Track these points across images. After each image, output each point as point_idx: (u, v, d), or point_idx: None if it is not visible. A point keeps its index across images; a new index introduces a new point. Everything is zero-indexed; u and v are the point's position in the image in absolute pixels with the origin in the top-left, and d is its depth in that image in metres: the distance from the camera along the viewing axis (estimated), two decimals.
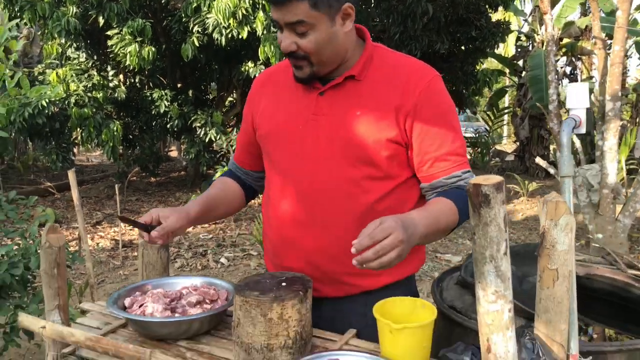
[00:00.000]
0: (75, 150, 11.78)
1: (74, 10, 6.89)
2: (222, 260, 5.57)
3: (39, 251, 3.01)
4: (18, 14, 7.07)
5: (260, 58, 6.25)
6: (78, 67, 7.88)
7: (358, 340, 1.46)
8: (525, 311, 1.45)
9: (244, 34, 6.19)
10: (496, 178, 0.82)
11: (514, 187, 9.27)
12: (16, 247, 2.92)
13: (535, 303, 1.12)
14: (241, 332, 1.32)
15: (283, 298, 1.29)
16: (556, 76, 5.36)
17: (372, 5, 7.77)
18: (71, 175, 4.02)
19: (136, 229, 1.56)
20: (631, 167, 9.16)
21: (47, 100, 6.01)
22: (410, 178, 1.47)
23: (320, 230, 1.42)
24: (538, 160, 5.84)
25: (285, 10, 1.29)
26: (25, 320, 1.41)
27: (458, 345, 1.26)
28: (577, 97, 1.30)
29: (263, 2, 5.95)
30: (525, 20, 12.95)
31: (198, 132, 7.93)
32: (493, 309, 0.82)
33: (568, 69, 12.82)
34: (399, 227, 1.16)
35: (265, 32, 6.09)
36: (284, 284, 1.37)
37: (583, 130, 1.30)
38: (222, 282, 1.66)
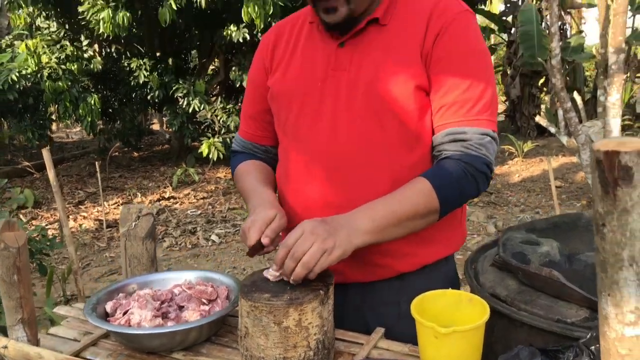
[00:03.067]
0: (53, 126, 11.35)
1: None
2: (213, 237, 5.32)
3: None
4: None
5: (244, 20, 5.88)
6: (49, 38, 7.42)
7: (388, 342, 1.22)
8: (587, 299, 1.20)
9: None
10: (636, 141, 0.55)
11: (509, 148, 9.09)
12: None
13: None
14: (250, 344, 1.07)
15: (301, 301, 1.04)
16: (559, 29, 5.08)
17: None
18: (46, 155, 3.69)
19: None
20: (625, 122, 9.02)
21: (17, 74, 5.60)
22: None
23: (348, 207, 1.17)
24: (539, 119, 5.62)
25: None
26: None
27: (520, 350, 1.02)
28: None
29: None
30: None
31: (180, 103, 7.59)
32: (631, 334, 0.57)
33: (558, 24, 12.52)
34: (313, 222, 1.04)
35: None
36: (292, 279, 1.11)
37: None
38: (220, 275, 1.40)
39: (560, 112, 5.24)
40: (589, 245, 1.50)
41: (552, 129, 5.45)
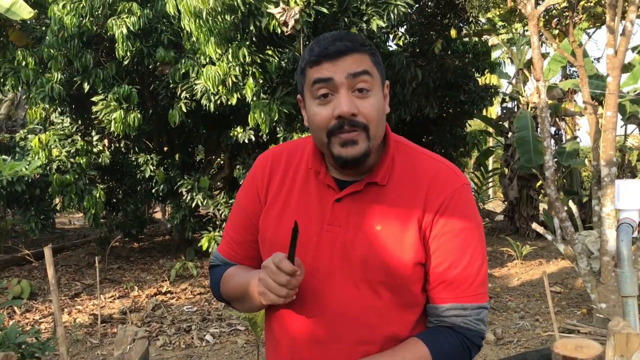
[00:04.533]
0: (57, 214, 11.45)
1: (59, 77, 6.79)
2: (208, 337, 5.24)
3: (5, 342, 2.72)
4: (1, 80, 6.96)
5: (250, 124, 6.15)
6: (62, 132, 7.71)
7: None
8: None
9: (233, 101, 6.10)
10: (594, 347, 0.62)
11: (508, 250, 9.10)
12: None
13: None
14: None
15: None
16: (552, 142, 5.30)
17: None
18: (47, 252, 3.76)
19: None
20: None
21: (26, 168, 5.77)
22: None
23: None
24: (534, 226, 5.69)
25: (348, 61, 1.14)
26: None
27: None
28: (630, 196, 1.13)
29: (253, 69, 5.89)
30: (510, 83, 13.19)
31: (184, 197, 7.72)
32: None
33: (552, 130, 12.97)
34: None
35: (255, 98, 6.00)
36: None
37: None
38: None
39: (556, 221, 5.32)
40: None
41: (549, 237, 5.51)
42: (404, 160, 1.25)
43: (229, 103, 6.19)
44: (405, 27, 8.14)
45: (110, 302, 6.56)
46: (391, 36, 8.22)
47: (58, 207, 8.68)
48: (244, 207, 1.36)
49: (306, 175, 1.27)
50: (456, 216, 1.20)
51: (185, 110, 6.68)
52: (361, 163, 1.18)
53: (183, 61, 6.48)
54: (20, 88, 7.15)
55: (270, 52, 6.10)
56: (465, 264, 1.19)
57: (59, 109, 7.91)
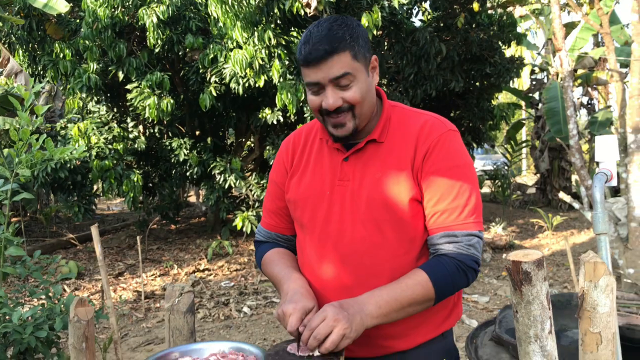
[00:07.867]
0: (96, 199, 11.92)
1: (95, 67, 7.09)
2: (245, 309, 5.51)
3: (63, 311, 3.00)
4: (41, 72, 7.29)
5: (278, 105, 6.33)
6: (99, 120, 8.05)
7: None
8: None
9: (261, 83, 6.29)
10: (536, 254, 0.79)
11: (538, 222, 9.13)
12: (40, 308, 2.91)
13: None
14: None
15: None
16: (575, 111, 5.33)
17: (386, 47, 7.88)
18: (94, 231, 4.03)
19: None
20: None
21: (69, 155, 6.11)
22: None
23: (354, 293, 1.39)
24: (562, 195, 5.75)
25: (330, 66, 1.31)
26: None
27: None
28: (606, 150, 1.28)
29: (279, 51, 6.06)
30: (539, 54, 13.00)
31: (217, 179, 7.99)
32: None
33: (585, 99, 12.76)
34: (334, 309, 1.25)
35: (281, 80, 6.17)
36: (316, 353, 1.33)
37: (614, 183, 1.27)
38: (250, 346, 1.62)
39: (583, 189, 5.37)
40: (577, 323, 1.67)
41: (576, 205, 5.56)
42: (398, 119, 1.47)
43: (257, 85, 6.38)
44: (428, 2, 8.17)
45: (152, 279, 6.90)
46: (414, 12, 8.25)
47: (98, 193, 9.07)
48: (275, 180, 1.62)
49: (320, 145, 1.53)
50: (443, 156, 1.38)
51: (215, 94, 6.91)
52: (351, 138, 1.41)
53: (211, 46, 6.69)
54: (58, 80, 7.48)
55: (294, 34, 6.25)
56: (453, 196, 1.37)
57: (95, 98, 8.24)
